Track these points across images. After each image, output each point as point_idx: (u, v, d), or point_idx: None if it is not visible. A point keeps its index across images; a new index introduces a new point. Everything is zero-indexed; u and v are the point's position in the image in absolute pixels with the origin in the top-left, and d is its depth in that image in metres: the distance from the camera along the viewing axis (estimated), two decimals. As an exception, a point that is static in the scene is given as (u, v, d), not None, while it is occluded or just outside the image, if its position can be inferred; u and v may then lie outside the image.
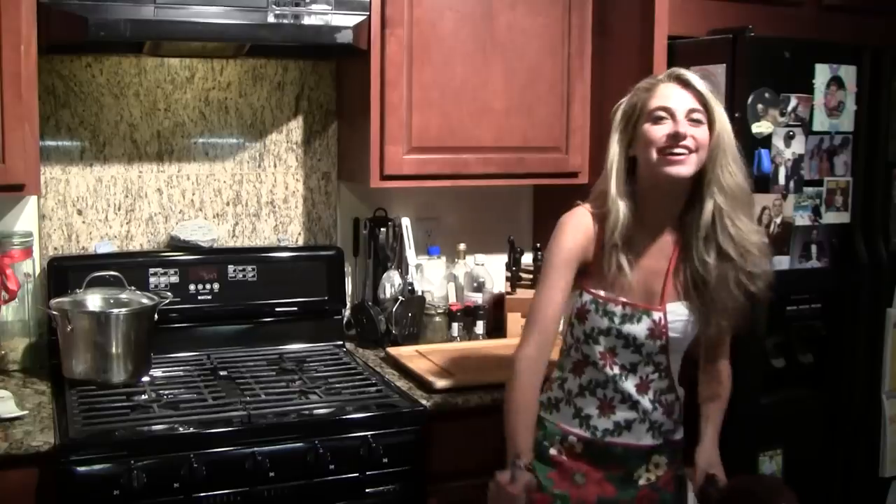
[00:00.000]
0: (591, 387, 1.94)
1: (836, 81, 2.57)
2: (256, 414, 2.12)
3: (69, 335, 2.28)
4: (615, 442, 1.93)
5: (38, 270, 2.55)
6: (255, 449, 2.05)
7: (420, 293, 2.79)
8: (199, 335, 2.61)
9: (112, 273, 2.41)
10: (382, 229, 2.84)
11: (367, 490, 2.16)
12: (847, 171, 2.63)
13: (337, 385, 2.36)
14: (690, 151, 1.79)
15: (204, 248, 2.65)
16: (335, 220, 2.90)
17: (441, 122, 2.58)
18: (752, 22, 2.56)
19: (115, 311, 2.31)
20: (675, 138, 1.78)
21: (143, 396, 2.23)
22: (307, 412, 2.17)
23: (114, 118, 2.64)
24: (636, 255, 1.89)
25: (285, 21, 2.31)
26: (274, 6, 2.29)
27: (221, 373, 2.43)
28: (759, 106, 2.45)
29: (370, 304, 2.78)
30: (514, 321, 2.87)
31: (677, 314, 1.89)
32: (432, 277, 2.90)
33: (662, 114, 1.80)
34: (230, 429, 2.07)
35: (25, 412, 2.09)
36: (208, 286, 2.60)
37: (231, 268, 2.63)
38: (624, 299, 1.88)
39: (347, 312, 2.85)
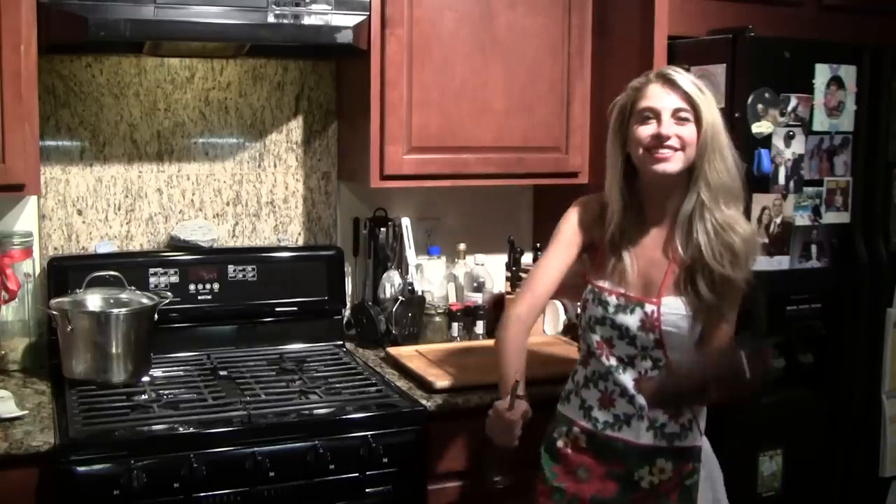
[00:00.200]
0: (594, 378, 1.98)
1: (836, 81, 2.57)
2: (256, 414, 2.12)
3: (69, 335, 2.28)
4: (615, 436, 1.95)
5: (38, 270, 2.55)
6: (255, 449, 2.05)
7: (420, 293, 2.79)
8: (199, 335, 2.61)
9: (112, 273, 2.41)
10: (382, 229, 2.84)
11: (367, 490, 2.16)
12: (847, 171, 2.63)
13: (337, 385, 2.36)
14: (676, 150, 1.85)
15: (204, 248, 2.65)
16: (335, 220, 2.90)
17: (441, 122, 2.58)
18: (752, 22, 2.56)
19: (115, 311, 2.31)
20: (659, 139, 1.85)
21: (143, 396, 2.23)
22: (307, 412, 2.17)
23: (114, 118, 2.64)
24: (638, 248, 1.94)
25: (285, 21, 2.31)
26: (274, 6, 2.29)
27: (221, 373, 2.43)
28: (759, 106, 2.45)
29: (370, 304, 2.78)
30: (514, 321, 2.88)
31: (671, 308, 1.90)
32: (432, 277, 2.90)
33: (649, 114, 1.87)
34: (230, 429, 2.06)
35: (25, 412, 2.09)
36: (208, 286, 2.60)
37: (231, 268, 2.63)
38: (620, 290, 1.94)
39: (347, 312, 2.85)
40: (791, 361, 2.62)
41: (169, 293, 2.46)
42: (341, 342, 2.76)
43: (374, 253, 2.84)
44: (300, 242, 2.86)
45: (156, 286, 2.53)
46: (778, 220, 2.51)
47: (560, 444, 2.02)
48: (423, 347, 2.68)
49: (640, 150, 1.88)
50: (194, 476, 1.98)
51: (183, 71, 2.69)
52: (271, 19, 2.30)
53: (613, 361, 1.95)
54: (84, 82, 2.60)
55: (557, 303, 2.88)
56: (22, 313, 2.48)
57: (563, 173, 2.77)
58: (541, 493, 2.03)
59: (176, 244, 2.66)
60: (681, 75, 1.87)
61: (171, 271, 2.57)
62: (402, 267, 2.80)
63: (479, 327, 2.83)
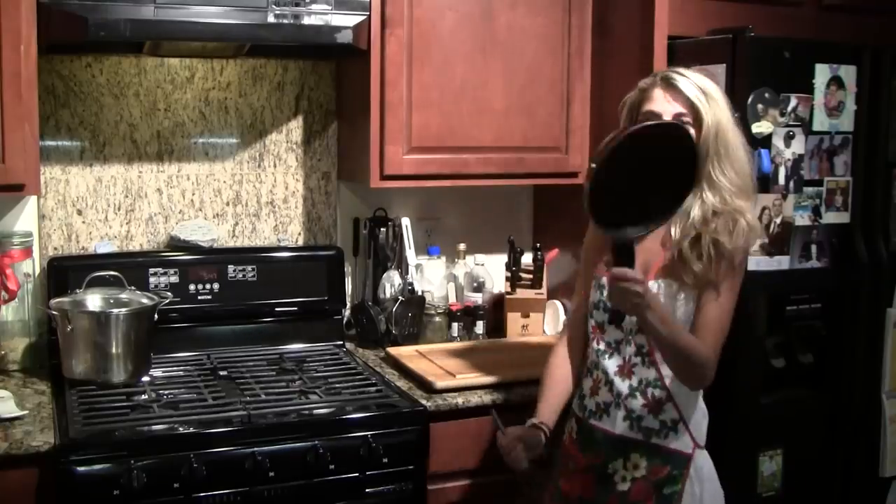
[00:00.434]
0: (591, 367, 2.01)
1: (835, 81, 2.57)
2: (256, 414, 2.12)
3: (69, 335, 2.28)
4: (597, 425, 1.96)
5: (38, 270, 2.55)
6: (255, 449, 2.05)
7: (420, 293, 2.79)
8: (199, 335, 2.61)
9: (112, 273, 2.41)
10: (382, 229, 2.84)
11: (367, 490, 2.16)
12: (847, 170, 2.63)
13: (337, 385, 2.36)
14: None
15: (204, 248, 2.65)
16: (335, 220, 2.90)
17: (441, 122, 2.58)
18: (752, 22, 2.56)
19: (115, 311, 2.31)
20: None
21: (143, 396, 2.23)
22: (307, 412, 2.17)
23: (114, 118, 2.64)
24: (640, 243, 1.91)
25: (285, 21, 2.31)
26: (274, 6, 2.29)
27: (221, 373, 2.43)
28: (759, 106, 2.45)
29: (370, 304, 2.78)
30: (514, 321, 2.88)
31: (657, 288, 1.90)
32: (432, 277, 2.90)
33: (651, 118, 1.89)
34: (230, 429, 2.06)
35: (25, 412, 2.09)
36: (208, 286, 2.60)
37: (231, 268, 2.63)
38: None
39: (347, 312, 2.85)
40: (791, 361, 2.62)
41: (169, 293, 2.46)
42: (341, 342, 2.76)
43: (374, 253, 2.84)
44: (300, 242, 2.86)
45: (156, 286, 2.53)
46: (778, 220, 2.51)
47: (565, 436, 2.05)
48: (423, 347, 2.68)
49: None
50: (194, 476, 1.98)
51: (183, 71, 2.69)
52: (271, 19, 2.30)
53: (602, 346, 1.97)
54: (84, 82, 2.60)
55: (557, 303, 2.88)
56: (22, 313, 2.48)
57: (563, 173, 2.76)
58: (549, 490, 2.08)
59: (176, 244, 2.66)
60: (684, 79, 1.88)
61: (171, 271, 2.57)
62: (402, 267, 2.80)
63: (479, 327, 2.83)
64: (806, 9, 2.96)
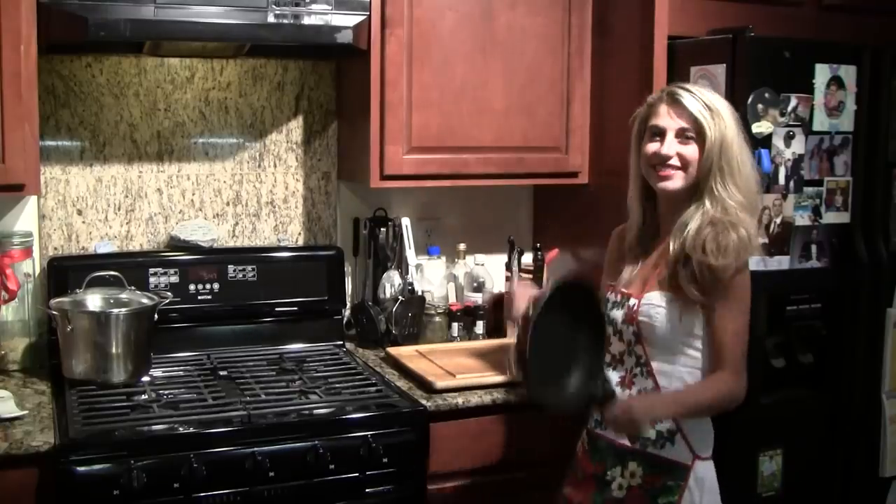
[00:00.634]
0: None
1: (836, 81, 2.57)
2: (256, 414, 2.12)
3: (69, 335, 2.28)
4: (602, 435, 1.99)
5: (38, 270, 2.55)
6: (255, 449, 2.05)
7: (420, 293, 2.79)
8: (199, 335, 2.61)
9: (112, 273, 2.41)
10: (382, 229, 2.84)
11: (367, 490, 2.16)
12: (847, 170, 2.63)
13: (337, 385, 2.36)
14: (677, 168, 1.92)
15: (204, 248, 2.65)
16: (335, 220, 2.90)
17: (441, 122, 2.58)
18: (752, 22, 2.56)
19: (115, 311, 2.31)
20: (660, 158, 1.92)
21: (143, 396, 2.23)
22: (307, 412, 2.17)
23: (114, 118, 2.64)
24: (647, 254, 2.00)
25: (285, 21, 2.31)
26: (274, 6, 2.29)
27: (221, 373, 2.43)
28: (759, 106, 2.45)
29: (370, 304, 2.78)
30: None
31: (650, 300, 1.92)
32: (432, 277, 2.90)
33: (656, 132, 1.94)
34: (230, 429, 2.06)
35: (25, 412, 2.09)
36: (208, 286, 2.60)
37: (231, 268, 2.63)
38: (618, 287, 2.00)
39: (347, 312, 2.85)
40: (791, 361, 2.62)
41: (169, 293, 2.46)
42: (341, 342, 2.76)
43: (374, 253, 2.84)
44: (300, 242, 2.86)
45: (156, 286, 2.53)
46: (778, 220, 2.51)
47: (578, 446, 2.08)
48: (423, 347, 2.68)
49: (645, 167, 1.97)
50: (194, 476, 1.98)
51: (183, 71, 2.69)
52: (271, 19, 2.30)
53: (608, 359, 1.99)
54: (84, 82, 2.59)
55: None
56: (22, 313, 2.48)
57: (563, 173, 2.76)
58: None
59: (176, 244, 2.66)
60: (689, 96, 1.91)
61: (171, 271, 2.57)
62: (402, 267, 2.80)
63: (479, 327, 2.83)
64: (806, 9, 2.96)
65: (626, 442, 1.94)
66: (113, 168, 2.65)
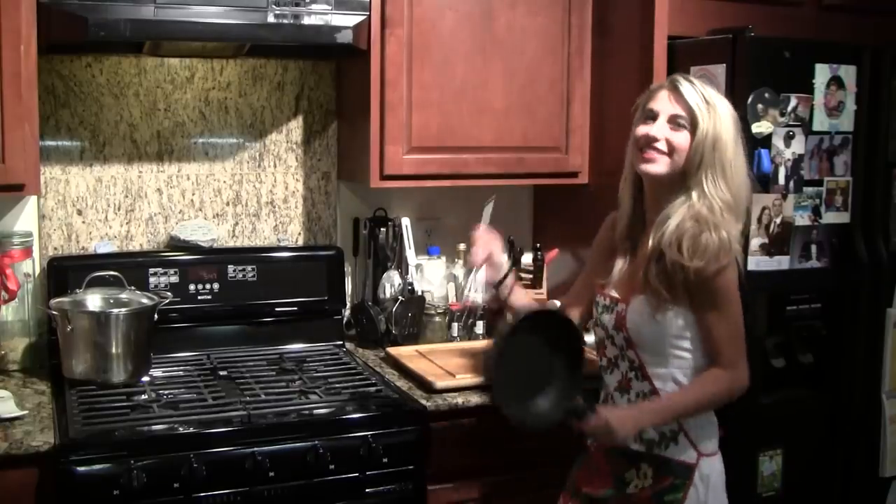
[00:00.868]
0: (601, 376, 2.05)
1: (835, 81, 2.57)
2: (256, 414, 2.12)
3: (69, 335, 2.28)
4: None
5: (38, 270, 2.55)
6: (255, 449, 2.05)
7: (420, 293, 2.79)
8: (199, 335, 2.61)
9: (112, 273, 2.41)
10: (382, 229, 2.84)
11: (367, 490, 2.16)
12: (847, 170, 2.63)
13: (337, 385, 2.36)
14: (663, 153, 1.89)
15: (204, 248, 2.65)
16: (335, 220, 2.90)
17: (441, 122, 2.58)
18: (752, 22, 2.56)
19: (115, 311, 2.31)
20: (648, 140, 1.90)
21: (143, 396, 2.23)
22: (307, 412, 2.17)
23: (114, 118, 2.64)
24: (636, 252, 1.98)
25: (285, 21, 2.31)
26: (274, 6, 2.29)
27: (221, 373, 2.43)
28: (759, 106, 2.45)
29: (370, 304, 2.78)
30: (514, 321, 2.87)
31: (636, 306, 1.91)
32: (432, 277, 2.90)
33: (650, 115, 1.93)
34: (230, 429, 2.07)
35: (25, 412, 2.09)
36: (208, 286, 2.60)
37: (231, 268, 2.63)
38: (608, 291, 2.00)
39: (347, 312, 2.85)
40: (791, 361, 2.62)
41: (169, 293, 2.46)
42: (341, 342, 2.76)
43: (374, 253, 2.84)
44: (300, 242, 2.86)
45: (156, 286, 2.53)
46: (778, 220, 2.51)
47: (589, 441, 2.05)
48: (423, 347, 2.68)
49: (632, 149, 1.95)
50: (194, 476, 1.98)
51: (183, 71, 2.69)
52: (271, 19, 2.30)
53: (604, 362, 2.01)
54: (84, 82, 2.59)
55: (557, 302, 2.88)
56: (22, 313, 2.48)
57: (563, 173, 2.76)
58: (563, 494, 2.10)
59: (176, 244, 2.66)
60: (689, 86, 1.90)
61: (171, 271, 2.57)
62: (402, 267, 2.80)
63: (479, 327, 2.83)
64: (806, 9, 2.96)
65: (632, 444, 1.92)
66: (113, 168, 2.65)
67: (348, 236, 2.90)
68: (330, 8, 2.36)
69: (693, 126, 1.87)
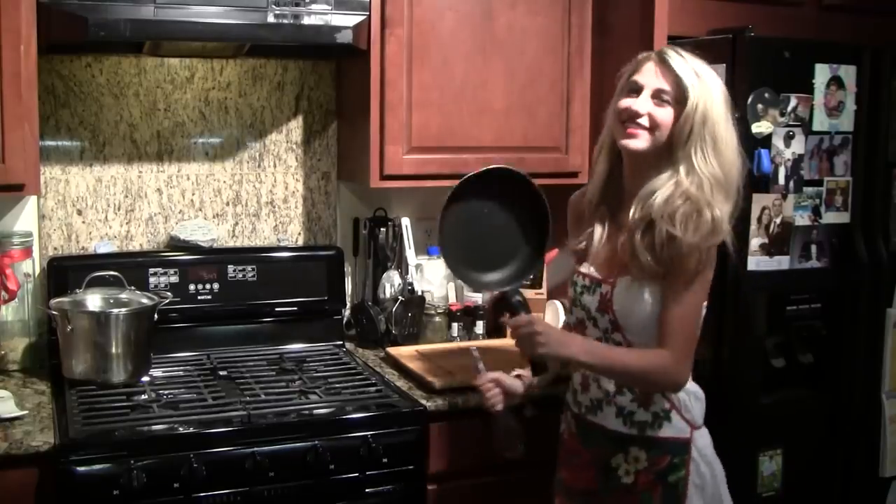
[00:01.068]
0: None
1: (835, 81, 2.57)
2: (256, 414, 2.12)
3: (69, 335, 2.28)
4: (594, 421, 1.95)
5: (38, 270, 2.55)
6: (255, 449, 2.05)
7: (420, 293, 2.79)
8: (199, 335, 2.61)
9: (112, 273, 2.40)
10: (382, 229, 2.84)
11: (367, 490, 2.16)
12: (847, 170, 2.63)
13: (337, 385, 2.36)
14: (645, 128, 1.83)
15: (204, 248, 2.65)
16: (335, 220, 2.90)
17: (441, 122, 2.58)
18: (752, 22, 2.56)
19: (115, 311, 2.31)
20: (629, 113, 1.84)
21: (143, 396, 2.23)
22: (307, 412, 2.17)
23: (114, 118, 2.64)
24: (612, 228, 1.94)
25: (285, 21, 2.31)
26: (274, 6, 2.29)
27: (221, 373, 2.43)
28: (759, 106, 2.45)
29: (370, 304, 2.78)
30: (514, 321, 2.87)
31: (624, 287, 1.86)
32: (432, 277, 2.90)
33: (634, 87, 1.87)
34: (230, 429, 2.06)
35: (25, 412, 2.09)
36: (208, 286, 2.60)
37: (231, 268, 2.63)
38: (585, 271, 1.95)
39: (347, 312, 2.85)
40: (791, 361, 2.62)
41: (169, 293, 2.46)
42: (341, 342, 2.76)
43: (373, 253, 2.84)
44: (300, 242, 2.86)
45: (156, 286, 2.53)
46: (778, 220, 2.51)
47: (562, 427, 2.05)
48: (423, 347, 2.68)
49: (614, 121, 1.89)
50: (194, 476, 1.98)
51: (183, 71, 2.69)
52: (271, 19, 2.30)
53: None
54: (84, 82, 2.59)
55: (557, 302, 2.88)
56: (22, 313, 2.48)
57: (563, 173, 2.76)
58: (557, 496, 2.08)
59: (176, 244, 2.66)
60: (678, 58, 1.83)
61: (171, 271, 2.57)
62: (402, 267, 2.80)
63: (479, 327, 2.83)
64: (806, 9, 2.96)
65: (620, 428, 1.89)
66: (113, 168, 2.65)
67: (348, 236, 2.90)
68: (330, 8, 2.36)
69: (681, 100, 1.80)
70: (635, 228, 1.82)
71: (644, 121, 1.83)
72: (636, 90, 1.86)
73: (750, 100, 2.44)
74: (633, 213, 1.83)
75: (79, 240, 2.62)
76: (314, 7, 2.34)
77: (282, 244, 2.80)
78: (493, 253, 1.95)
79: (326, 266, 2.74)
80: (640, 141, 1.84)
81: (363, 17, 2.42)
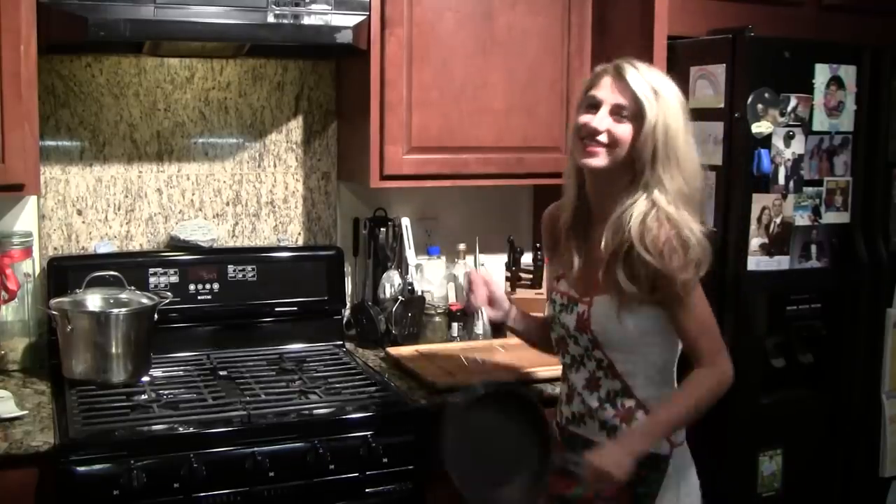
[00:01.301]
0: (563, 374, 2.01)
1: (835, 81, 2.57)
2: (256, 414, 2.12)
3: (69, 335, 2.28)
4: (577, 432, 1.94)
5: (37, 270, 2.55)
6: (255, 449, 2.05)
7: (420, 293, 2.79)
8: (199, 335, 2.61)
9: (112, 273, 2.40)
10: (382, 229, 2.84)
11: (367, 490, 2.16)
12: (847, 171, 2.63)
13: (337, 385, 2.36)
14: (604, 145, 1.81)
15: (204, 248, 2.65)
16: (335, 220, 2.90)
17: (441, 122, 2.58)
18: (752, 22, 2.56)
19: (115, 311, 2.31)
20: (588, 130, 1.82)
21: (143, 396, 2.23)
22: (307, 412, 2.17)
23: (113, 118, 2.64)
24: (587, 246, 1.91)
25: (285, 21, 2.31)
26: (274, 6, 2.29)
27: (221, 373, 2.43)
28: (759, 106, 2.45)
29: (370, 304, 2.78)
30: (514, 321, 2.87)
31: (601, 307, 1.85)
32: (432, 277, 2.90)
33: (592, 103, 1.84)
34: (230, 429, 2.06)
35: (25, 412, 2.09)
36: (208, 286, 2.60)
37: (231, 268, 2.63)
38: (563, 289, 1.94)
39: (347, 312, 2.85)
40: (791, 361, 2.63)
41: (169, 293, 2.46)
42: (341, 342, 2.75)
43: (373, 253, 2.84)
44: (300, 242, 2.86)
45: (156, 286, 2.53)
46: (778, 220, 2.51)
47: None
48: (423, 347, 2.68)
49: (573, 139, 1.86)
50: (194, 476, 1.98)
51: (183, 71, 2.69)
52: (271, 19, 2.30)
53: (568, 359, 1.96)
54: (84, 82, 2.59)
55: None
56: (22, 313, 2.48)
57: (562, 173, 2.76)
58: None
59: (176, 244, 2.66)
60: (635, 73, 1.80)
61: (171, 271, 2.57)
62: (402, 267, 2.80)
63: (479, 327, 2.83)
64: (806, 9, 2.96)
65: (603, 440, 1.86)
66: (113, 168, 2.65)
67: (348, 236, 2.90)
68: (330, 8, 2.36)
69: (639, 118, 1.78)
70: (613, 258, 1.80)
71: (603, 138, 1.80)
72: (595, 105, 1.83)
73: (750, 100, 2.44)
74: (605, 240, 1.81)
75: (79, 240, 2.62)
76: (314, 7, 2.34)
77: (282, 244, 2.80)
78: (500, 462, 1.85)
79: (326, 266, 2.74)
80: (599, 159, 1.81)
81: (363, 17, 2.42)
